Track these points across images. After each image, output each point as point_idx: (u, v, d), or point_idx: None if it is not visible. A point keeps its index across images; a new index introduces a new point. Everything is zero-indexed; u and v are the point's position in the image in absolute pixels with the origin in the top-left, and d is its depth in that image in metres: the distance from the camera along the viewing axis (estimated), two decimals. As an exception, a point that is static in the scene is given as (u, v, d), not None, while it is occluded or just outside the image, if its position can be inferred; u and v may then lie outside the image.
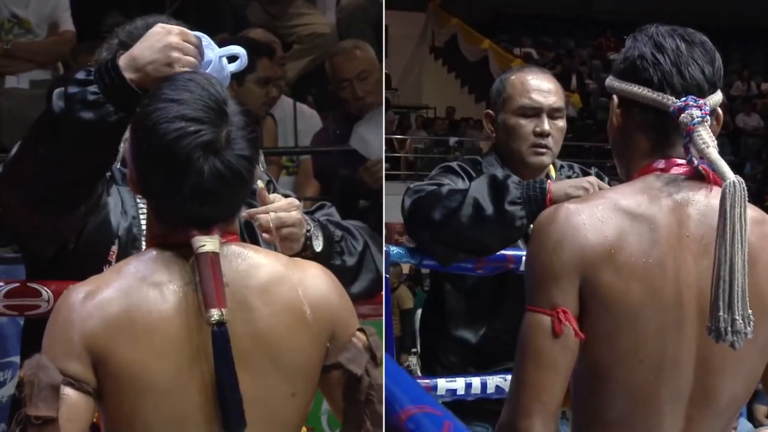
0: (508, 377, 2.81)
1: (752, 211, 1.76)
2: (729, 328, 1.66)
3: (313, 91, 4.87)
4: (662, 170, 1.80)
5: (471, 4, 18.81)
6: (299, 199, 2.36)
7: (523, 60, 17.94)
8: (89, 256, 2.22)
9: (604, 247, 1.72)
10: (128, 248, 2.24)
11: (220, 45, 2.06)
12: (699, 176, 1.78)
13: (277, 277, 1.73)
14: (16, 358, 3.57)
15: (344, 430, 1.80)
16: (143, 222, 2.29)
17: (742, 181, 1.68)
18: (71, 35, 4.61)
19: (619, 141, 1.86)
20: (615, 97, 1.84)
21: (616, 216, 1.74)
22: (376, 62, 4.35)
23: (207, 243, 1.67)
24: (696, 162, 1.77)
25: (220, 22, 4.61)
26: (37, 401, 1.59)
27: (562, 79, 18.31)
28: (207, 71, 1.96)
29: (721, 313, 1.66)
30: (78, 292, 1.69)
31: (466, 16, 18.84)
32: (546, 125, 2.87)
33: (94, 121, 1.96)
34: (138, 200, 2.30)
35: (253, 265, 1.72)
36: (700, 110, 1.76)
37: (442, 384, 2.82)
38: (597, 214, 1.74)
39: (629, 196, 1.77)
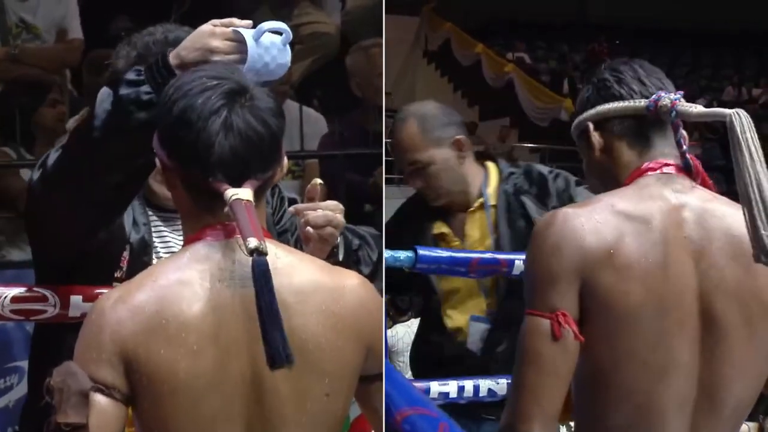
0: (501, 380, 2.91)
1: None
2: None
3: (318, 94, 4.86)
4: (652, 170, 1.86)
5: (465, 9, 18.80)
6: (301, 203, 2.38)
7: (516, 65, 17.96)
8: (102, 262, 2.22)
9: (603, 248, 1.75)
10: (140, 255, 2.25)
11: None
12: (687, 168, 1.87)
13: (314, 279, 1.72)
14: (22, 363, 3.57)
15: None
16: (154, 228, 2.31)
17: (744, 111, 1.73)
18: (79, 43, 4.62)
19: (602, 161, 1.92)
20: (590, 124, 1.92)
21: (614, 218, 1.77)
22: None
23: (239, 192, 1.66)
24: (685, 148, 1.85)
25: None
26: (66, 408, 1.58)
27: (555, 84, 18.36)
28: (253, 63, 1.94)
29: (763, 232, 1.66)
30: (109, 296, 1.69)
31: (459, 20, 18.82)
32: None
33: (149, 121, 1.90)
34: (148, 210, 2.32)
35: (289, 264, 1.71)
36: (674, 93, 1.86)
37: (435, 387, 2.86)
38: (595, 217, 1.77)
39: (625, 198, 1.82)
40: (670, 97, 1.84)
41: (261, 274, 1.60)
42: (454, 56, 18.85)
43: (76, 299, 2.27)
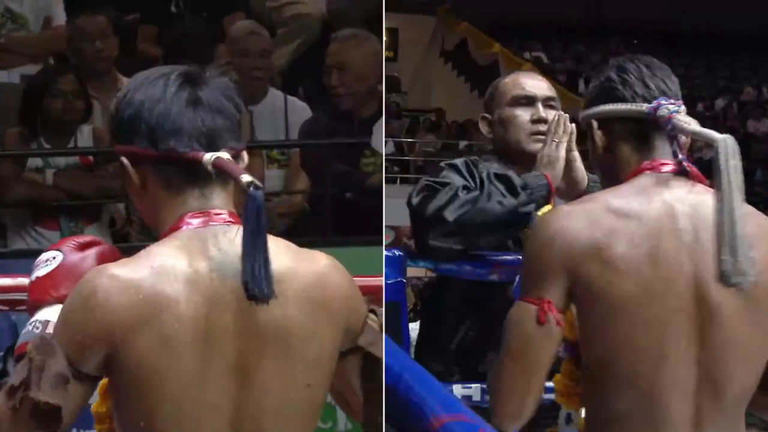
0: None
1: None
2: (733, 270, 1.75)
3: (304, 82, 4.87)
4: (650, 169, 1.92)
5: (480, 9, 18.80)
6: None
7: (533, 64, 17.92)
8: None
9: (591, 244, 1.84)
10: None
11: None
12: (684, 173, 1.91)
13: (291, 266, 1.69)
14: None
15: (366, 413, 1.81)
16: None
17: (732, 137, 1.80)
18: (64, 30, 4.56)
19: (605, 159, 2.00)
20: (594, 122, 1.99)
21: (606, 216, 1.87)
22: None
23: (218, 153, 1.66)
24: (681, 157, 1.90)
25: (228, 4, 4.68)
26: (45, 387, 1.58)
27: (571, 84, 18.32)
28: None
29: (726, 257, 1.76)
30: (101, 274, 1.64)
31: (475, 20, 18.83)
32: (542, 112, 2.87)
33: None
34: None
35: None
36: (673, 104, 1.93)
37: (458, 390, 2.78)
38: (589, 215, 1.88)
39: (621, 196, 1.90)
40: (669, 108, 1.91)
41: (256, 207, 1.59)
42: (471, 56, 18.85)
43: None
